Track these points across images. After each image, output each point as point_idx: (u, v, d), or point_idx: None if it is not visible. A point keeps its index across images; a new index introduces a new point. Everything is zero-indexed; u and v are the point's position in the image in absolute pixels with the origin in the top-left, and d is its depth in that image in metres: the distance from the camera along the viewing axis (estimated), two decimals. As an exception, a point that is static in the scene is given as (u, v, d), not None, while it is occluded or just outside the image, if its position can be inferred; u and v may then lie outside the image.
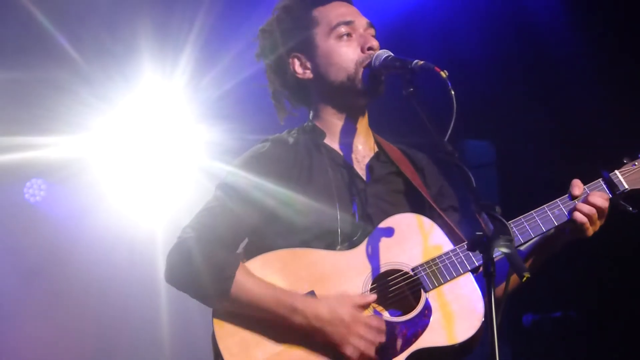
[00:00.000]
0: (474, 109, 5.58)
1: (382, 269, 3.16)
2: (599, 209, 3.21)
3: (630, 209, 3.25)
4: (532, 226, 3.23)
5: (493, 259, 2.59)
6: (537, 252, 3.32)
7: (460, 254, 3.17)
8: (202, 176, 5.80)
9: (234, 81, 5.75)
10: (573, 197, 3.26)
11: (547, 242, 3.31)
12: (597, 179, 3.31)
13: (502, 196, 6.33)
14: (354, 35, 3.36)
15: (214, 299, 3.14)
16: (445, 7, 5.89)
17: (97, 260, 6.19)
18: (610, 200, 3.26)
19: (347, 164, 3.36)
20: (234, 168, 3.32)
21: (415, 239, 3.21)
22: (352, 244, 3.21)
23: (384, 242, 3.18)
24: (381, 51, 3.29)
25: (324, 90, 3.41)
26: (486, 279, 2.59)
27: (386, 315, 3.14)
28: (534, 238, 3.26)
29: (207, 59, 5.75)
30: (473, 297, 3.13)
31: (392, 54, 3.25)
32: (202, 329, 3.41)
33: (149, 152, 6.15)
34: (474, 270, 3.17)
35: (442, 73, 2.96)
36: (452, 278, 3.15)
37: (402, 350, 3.06)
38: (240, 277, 3.10)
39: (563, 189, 3.29)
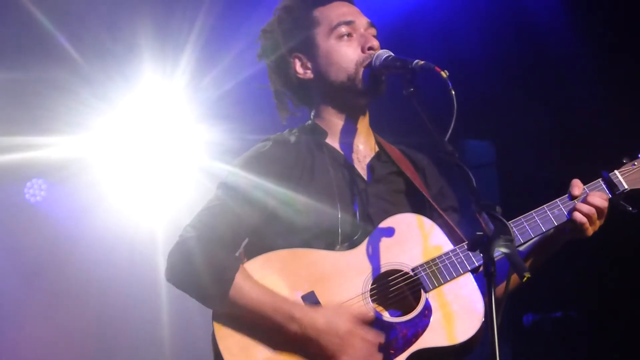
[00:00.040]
0: (474, 109, 5.58)
1: (382, 269, 3.16)
2: (598, 209, 3.21)
3: (630, 208, 3.25)
4: (531, 226, 3.23)
5: (493, 258, 2.59)
6: (537, 252, 3.32)
7: (460, 254, 3.17)
8: (202, 176, 5.80)
9: (234, 81, 5.75)
10: (573, 197, 3.26)
11: (546, 242, 3.31)
12: (597, 178, 3.31)
13: (503, 196, 6.33)
14: (354, 35, 3.37)
15: (213, 300, 3.14)
16: (446, 7, 5.89)
17: (97, 260, 6.19)
18: (610, 200, 3.26)
19: (348, 164, 3.37)
20: (235, 168, 3.32)
21: (415, 239, 3.21)
22: (352, 244, 3.21)
23: (384, 242, 3.18)
24: (382, 51, 3.29)
25: (324, 90, 3.41)
26: (487, 279, 2.59)
27: (386, 315, 3.14)
28: (533, 238, 3.26)
29: (208, 59, 5.76)
30: (473, 297, 3.13)
31: (393, 54, 3.25)
32: (202, 329, 3.41)
33: (149, 152, 6.15)
34: (473, 271, 3.17)
35: (442, 73, 2.96)
36: (452, 278, 3.15)
37: (403, 350, 3.06)
38: (239, 280, 3.10)
39: (563, 188, 3.30)
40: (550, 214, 3.24)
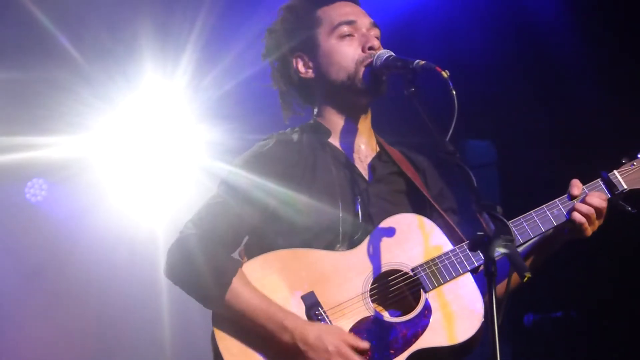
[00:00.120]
0: (475, 109, 5.59)
1: (383, 269, 3.16)
2: (597, 209, 3.22)
3: (630, 208, 3.26)
4: (531, 226, 3.24)
5: (494, 258, 2.59)
6: (536, 252, 3.32)
7: (460, 254, 3.18)
8: (202, 176, 5.80)
9: (234, 81, 5.75)
10: (572, 197, 3.26)
11: (546, 242, 3.32)
12: (596, 178, 3.32)
13: (503, 196, 6.33)
14: (355, 35, 3.37)
15: (210, 301, 3.16)
16: (447, 7, 5.89)
17: (97, 260, 6.19)
18: (609, 200, 3.27)
19: (349, 163, 3.37)
20: (236, 167, 3.32)
21: (415, 239, 3.21)
22: (352, 244, 3.22)
23: (385, 242, 3.19)
24: (382, 51, 3.30)
25: (325, 90, 3.42)
26: (487, 278, 2.59)
27: (386, 315, 3.14)
28: (533, 238, 3.26)
29: (208, 59, 5.76)
30: (473, 297, 3.13)
31: (394, 54, 3.26)
32: (202, 329, 3.41)
33: (150, 152, 6.15)
34: (473, 271, 3.18)
35: (443, 73, 2.96)
36: (452, 278, 3.15)
37: (403, 350, 3.06)
38: (236, 285, 3.11)
39: (563, 188, 3.30)
40: (550, 214, 3.25)
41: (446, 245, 3.21)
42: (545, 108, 5.99)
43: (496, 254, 2.59)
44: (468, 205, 2.74)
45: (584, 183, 3.30)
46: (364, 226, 3.24)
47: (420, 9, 5.88)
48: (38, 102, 5.72)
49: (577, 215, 3.21)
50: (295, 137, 3.41)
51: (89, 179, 6.16)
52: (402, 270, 3.16)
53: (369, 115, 3.46)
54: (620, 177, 3.30)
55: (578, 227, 3.22)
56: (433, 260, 3.17)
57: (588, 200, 3.22)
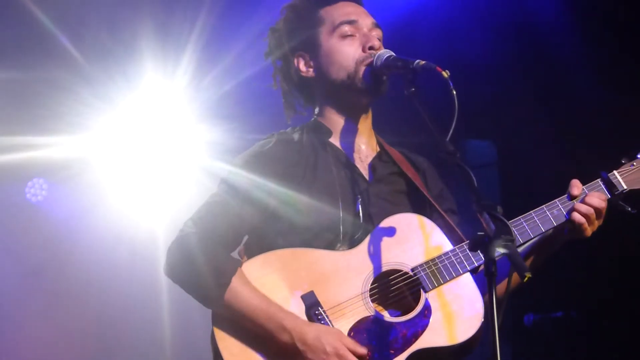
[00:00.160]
0: (475, 109, 5.59)
1: (383, 269, 3.16)
2: (596, 209, 3.22)
3: (629, 209, 3.26)
4: (531, 226, 3.24)
5: (494, 258, 2.59)
6: (536, 252, 3.32)
7: (460, 254, 3.18)
8: (203, 176, 5.80)
9: (235, 81, 5.76)
10: (572, 197, 3.26)
11: (546, 242, 3.32)
12: (596, 177, 3.32)
13: (504, 196, 6.33)
14: (357, 35, 3.38)
15: (210, 301, 3.16)
16: (447, 8, 5.89)
17: (98, 260, 6.19)
18: (609, 200, 3.27)
19: (350, 163, 3.37)
20: (236, 166, 3.32)
21: (415, 239, 3.21)
22: (352, 244, 3.22)
23: (385, 242, 3.19)
24: (383, 51, 3.30)
25: (326, 89, 3.43)
26: (487, 278, 2.59)
27: (386, 315, 3.14)
28: (533, 238, 3.26)
29: (208, 59, 5.76)
30: (473, 298, 3.13)
31: (394, 54, 3.26)
32: (202, 329, 3.41)
33: (150, 152, 6.15)
34: (473, 271, 3.18)
35: (443, 73, 2.96)
36: (452, 278, 3.15)
37: (402, 350, 3.06)
38: (236, 284, 3.11)
39: (564, 188, 3.30)
40: (550, 214, 3.25)
41: (446, 245, 3.21)
42: (545, 108, 6.00)
43: (496, 254, 2.59)
44: (468, 205, 2.74)
45: (583, 183, 3.30)
46: (364, 226, 3.24)
47: (421, 8, 5.88)
48: (38, 102, 5.72)
49: (576, 216, 3.21)
50: (295, 136, 3.41)
51: (89, 179, 6.16)
52: (402, 270, 3.16)
53: (370, 115, 3.47)
54: (620, 178, 3.30)
55: (578, 227, 3.22)
56: (433, 260, 3.17)
57: (587, 200, 3.22)
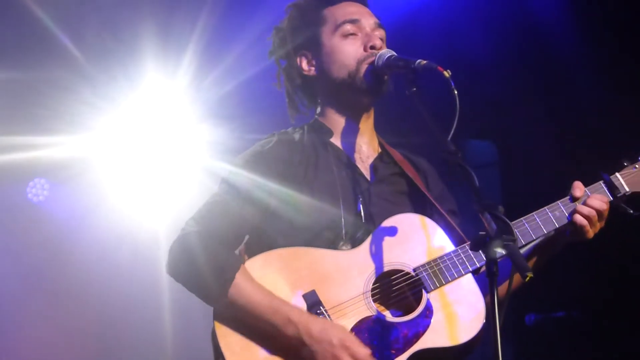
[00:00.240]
0: (476, 109, 5.58)
1: (384, 269, 3.16)
2: (598, 211, 3.22)
3: (631, 211, 3.26)
4: (533, 228, 3.24)
5: (496, 258, 2.59)
6: (538, 253, 3.33)
7: (462, 255, 3.17)
8: (204, 176, 5.80)
9: (236, 81, 5.76)
10: (574, 199, 3.27)
11: (548, 244, 3.32)
12: (598, 179, 3.31)
13: (505, 196, 6.33)
14: (359, 35, 3.38)
15: (213, 298, 3.15)
16: (449, 8, 5.89)
17: (99, 260, 6.20)
18: (611, 202, 3.27)
19: (351, 163, 3.38)
20: (237, 166, 3.32)
21: (417, 239, 3.21)
22: (354, 243, 3.22)
23: (387, 242, 3.19)
24: (384, 51, 3.30)
25: (328, 88, 3.43)
26: (489, 279, 2.59)
27: (388, 315, 3.14)
28: (535, 240, 3.26)
29: (210, 59, 5.76)
30: (474, 298, 3.13)
31: (395, 54, 3.26)
32: (204, 328, 3.41)
33: (151, 152, 6.15)
34: (475, 272, 3.18)
35: (445, 73, 2.96)
36: (454, 279, 3.15)
37: (404, 350, 3.06)
38: (239, 280, 3.11)
39: (565, 188, 3.30)
40: (552, 215, 3.25)
41: (448, 245, 3.21)
42: (546, 108, 5.99)
43: (498, 254, 2.59)
44: (469, 205, 2.74)
45: (584, 183, 3.30)
46: (366, 226, 3.24)
47: (422, 8, 5.89)
48: (40, 102, 5.73)
49: (578, 217, 3.21)
50: (296, 136, 3.41)
51: (90, 178, 6.17)
52: (404, 270, 3.16)
53: (372, 115, 3.47)
54: (622, 180, 3.30)
55: (579, 229, 3.22)
56: (435, 260, 3.17)
57: (589, 202, 3.23)
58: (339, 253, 3.19)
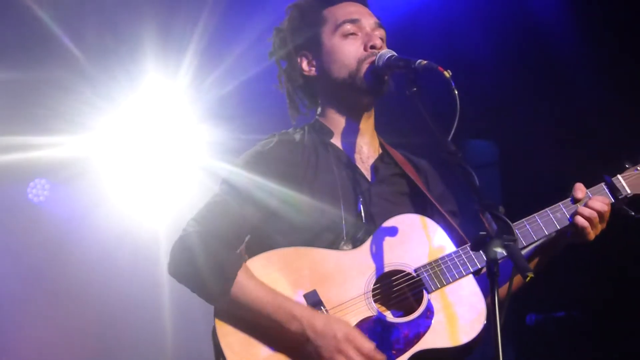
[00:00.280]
0: (477, 109, 5.59)
1: (385, 269, 3.16)
2: (600, 213, 3.22)
3: (633, 213, 3.26)
4: (534, 229, 3.24)
5: (497, 259, 2.59)
6: (539, 254, 3.33)
7: (463, 256, 3.18)
8: (204, 176, 5.81)
9: (236, 82, 5.76)
10: (575, 201, 3.27)
11: (549, 245, 3.33)
12: (599, 179, 3.32)
13: (505, 196, 6.33)
14: (359, 34, 3.38)
15: (215, 297, 3.14)
16: (449, 8, 5.89)
17: (100, 260, 6.20)
18: (612, 204, 3.27)
19: (351, 164, 3.38)
20: (237, 166, 3.33)
21: (418, 240, 3.21)
22: (355, 244, 3.22)
23: (388, 242, 3.19)
24: (385, 51, 3.30)
25: (328, 89, 3.43)
26: (490, 279, 2.59)
27: (389, 315, 3.14)
28: (536, 241, 3.26)
29: (210, 59, 5.76)
30: (475, 299, 3.13)
31: (396, 54, 3.26)
32: (204, 328, 3.41)
33: (152, 152, 6.16)
34: (476, 273, 3.18)
35: (445, 73, 2.96)
36: (455, 280, 3.15)
37: (405, 351, 3.07)
38: (241, 278, 3.11)
39: (565, 188, 3.30)
40: (553, 216, 3.25)
41: (449, 246, 3.21)
42: (547, 108, 5.99)
43: (498, 254, 2.59)
44: (470, 206, 2.74)
45: (585, 183, 3.30)
46: (366, 226, 3.24)
47: (423, 8, 5.89)
48: (40, 102, 5.73)
49: (579, 219, 3.22)
50: (297, 137, 3.41)
51: (91, 179, 6.17)
52: (405, 271, 3.16)
53: (372, 115, 3.47)
54: (624, 182, 3.30)
55: (581, 231, 3.23)
56: (436, 261, 3.17)
57: (590, 204, 3.23)
58: (340, 253, 3.19)
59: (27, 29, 5.51)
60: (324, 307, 3.12)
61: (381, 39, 3.40)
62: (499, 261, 2.61)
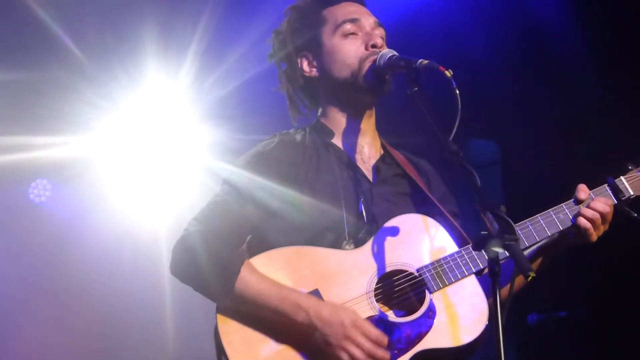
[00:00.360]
0: (478, 108, 5.58)
1: (387, 269, 3.16)
2: (602, 214, 3.22)
3: (635, 215, 3.26)
4: (537, 230, 3.24)
5: (498, 258, 2.59)
6: (542, 255, 3.34)
7: (465, 256, 3.18)
8: (205, 176, 5.81)
9: (237, 82, 5.77)
10: (578, 202, 3.27)
11: (551, 246, 3.33)
12: (600, 179, 3.32)
13: (507, 196, 6.33)
14: (359, 34, 3.39)
15: (218, 294, 3.14)
16: (450, 7, 5.89)
17: (101, 260, 6.20)
18: (615, 206, 3.27)
19: (352, 164, 3.38)
20: (238, 166, 3.33)
21: (420, 240, 3.21)
22: (356, 244, 3.22)
23: (389, 242, 3.19)
24: (386, 50, 3.31)
25: (329, 89, 3.44)
26: (491, 278, 2.59)
27: (391, 315, 3.14)
28: (539, 242, 3.26)
29: (211, 59, 5.76)
30: (477, 300, 3.13)
31: (397, 54, 3.26)
32: (205, 328, 3.41)
33: (153, 152, 6.16)
34: (478, 273, 3.17)
35: (446, 72, 2.96)
36: (457, 280, 3.15)
37: (406, 350, 3.06)
38: (244, 273, 3.11)
39: (566, 188, 3.30)
40: (556, 218, 3.25)
41: (451, 246, 3.22)
42: (548, 107, 5.99)
43: (500, 253, 2.59)
44: (472, 206, 2.74)
45: (587, 184, 3.30)
46: (368, 226, 3.24)
47: (424, 8, 5.89)
48: (41, 102, 5.73)
49: (582, 220, 3.22)
50: (298, 137, 3.41)
51: (92, 179, 6.17)
52: (407, 271, 3.16)
53: (373, 115, 3.47)
54: (626, 183, 3.31)
55: (583, 232, 3.23)
56: (438, 261, 3.17)
57: (593, 205, 3.23)
58: (342, 253, 3.19)
59: (28, 29, 5.51)
60: (326, 306, 3.11)
61: (381, 38, 3.40)
62: (501, 261, 2.62)
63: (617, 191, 3.29)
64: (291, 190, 3.26)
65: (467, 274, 3.15)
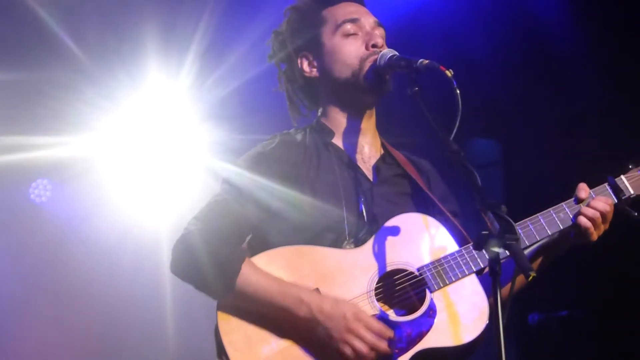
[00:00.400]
0: (479, 108, 5.59)
1: (388, 268, 3.17)
2: (602, 213, 3.22)
3: (636, 214, 3.26)
4: (537, 229, 3.24)
5: (499, 258, 2.59)
6: (542, 254, 3.34)
7: (466, 255, 3.18)
8: (206, 176, 5.81)
9: (238, 82, 5.77)
10: (579, 201, 3.27)
11: (552, 246, 3.33)
12: (600, 178, 3.32)
13: (508, 195, 6.33)
14: (360, 34, 3.39)
15: (220, 294, 3.14)
16: (451, 7, 5.89)
17: (102, 260, 6.20)
18: (615, 205, 3.27)
19: (353, 164, 3.38)
20: (238, 166, 3.33)
21: (421, 239, 3.21)
22: (357, 243, 3.22)
23: (390, 241, 3.19)
24: (386, 50, 3.31)
25: (330, 89, 3.44)
26: (492, 278, 2.59)
27: (392, 314, 3.14)
28: (539, 241, 3.26)
29: (212, 59, 5.77)
30: (478, 299, 3.13)
31: (398, 54, 3.26)
32: (206, 327, 3.41)
33: (153, 152, 6.16)
34: (478, 272, 3.18)
35: (447, 72, 2.96)
36: (457, 279, 3.15)
37: (407, 350, 3.06)
38: (245, 270, 3.11)
39: (568, 187, 3.30)
40: (556, 217, 3.25)
41: (451, 245, 3.22)
42: (549, 107, 5.99)
43: (501, 255, 2.60)
44: (472, 205, 2.74)
45: (588, 183, 3.30)
46: (368, 226, 3.24)
47: (424, 8, 5.89)
48: (42, 102, 5.73)
49: (582, 220, 3.22)
50: (298, 137, 3.42)
51: (93, 179, 6.17)
52: (408, 270, 3.17)
53: (374, 115, 3.47)
54: (627, 183, 3.31)
55: (583, 231, 3.22)
56: (439, 260, 3.17)
57: (593, 204, 3.23)
58: (343, 252, 3.20)
59: (28, 29, 5.52)
60: (327, 305, 3.12)
61: (382, 37, 3.40)
62: (502, 261, 2.62)
63: (617, 190, 3.29)
64: (292, 190, 3.26)
65: (467, 273, 3.15)
